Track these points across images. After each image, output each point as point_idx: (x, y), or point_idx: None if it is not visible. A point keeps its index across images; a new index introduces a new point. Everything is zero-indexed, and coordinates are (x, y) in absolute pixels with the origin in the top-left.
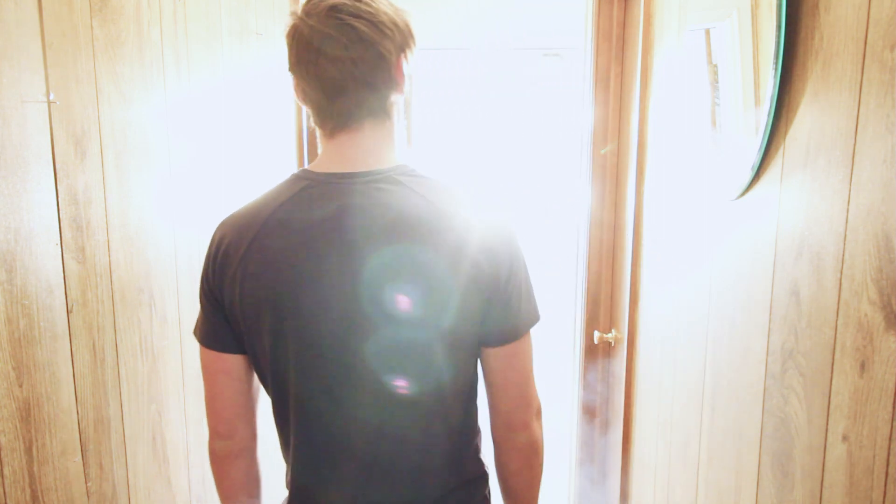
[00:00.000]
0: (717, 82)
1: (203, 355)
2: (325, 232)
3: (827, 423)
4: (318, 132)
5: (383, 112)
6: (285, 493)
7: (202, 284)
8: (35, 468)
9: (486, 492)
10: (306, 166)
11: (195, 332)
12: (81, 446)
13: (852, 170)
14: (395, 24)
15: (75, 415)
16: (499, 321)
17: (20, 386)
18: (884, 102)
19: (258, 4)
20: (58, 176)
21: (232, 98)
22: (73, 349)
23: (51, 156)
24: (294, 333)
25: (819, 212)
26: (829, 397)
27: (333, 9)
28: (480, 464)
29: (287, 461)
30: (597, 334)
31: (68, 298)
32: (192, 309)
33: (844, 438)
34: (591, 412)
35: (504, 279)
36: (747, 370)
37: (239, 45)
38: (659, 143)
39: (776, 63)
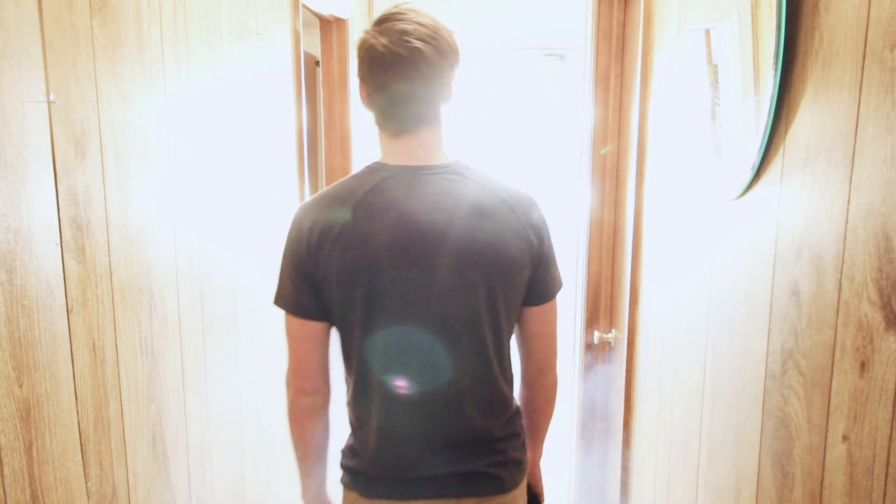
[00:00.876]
0: (717, 82)
1: (291, 323)
2: (410, 213)
3: (827, 423)
4: (378, 131)
5: (436, 118)
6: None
7: (291, 262)
8: (35, 468)
9: (522, 422)
10: (377, 160)
11: (279, 303)
12: (81, 446)
13: (852, 170)
14: (451, 48)
15: (75, 415)
16: (541, 285)
17: (20, 386)
18: (884, 102)
19: (258, 4)
20: (58, 176)
21: (232, 98)
22: (73, 349)
23: (51, 156)
24: (388, 300)
25: (819, 212)
26: (829, 397)
27: (405, 33)
28: (515, 401)
29: (359, 419)
30: (597, 334)
31: (68, 298)
32: (192, 309)
33: (844, 438)
34: (591, 412)
35: (546, 251)
36: (747, 370)
37: (239, 45)
38: (659, 143)
39: (776, 63)
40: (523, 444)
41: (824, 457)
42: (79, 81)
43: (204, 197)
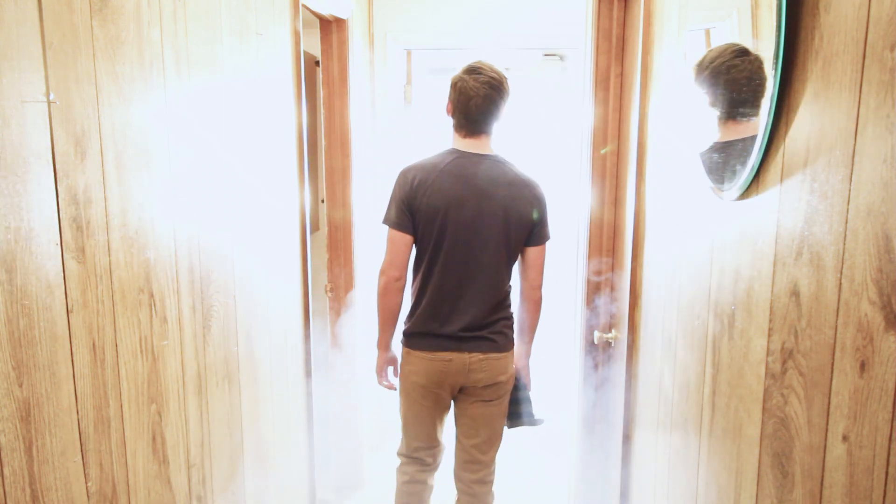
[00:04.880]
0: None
1: (393, 235)
2: (470, 179)
3: (827, 423)
4: (454, 131)
5: (490, 131)
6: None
7: (400, 199)
8: (35, 468)
9: (510, 315)
10: (453, 146)
11: (387, 222)
12: (81, 446)
13: (852, 170)
14: (508, 92)
15: (75, 415)
16: (536, 233)
17: (20, 386)
18: (884, 102)
19: (258, 4)
20: (58, 176)
21: (232, 98)
22: (73, 349)
23: (51, 156)
24: (451, 227)
25: (819, 212)
26: (829, 397)
27: (486, 82)
28: (509, 304)
29: (420, 301)
30: (597, 334)
31: (68, 298)
32: (191, 309)
33: (844, 438)
34: (591, 412)
35: (542, 214)
36: (747, 370)
37: (239, 45)
38: (659, 143)
39: (776, 63)
40: (509, 327)
41: (824, 457)
42: (79, 81)
43: (204, 197)
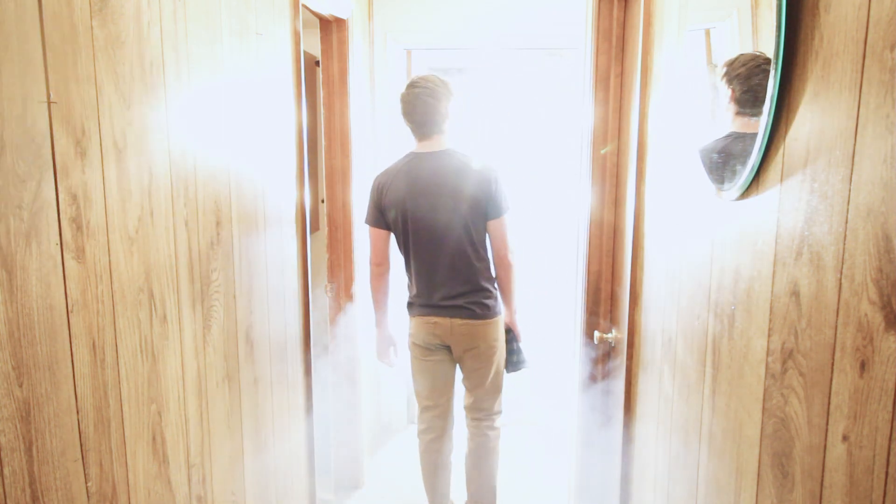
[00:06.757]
0: (717, 82)
1: (372, 231)
2: (422, 174)
3: (827, 423)
4: (413, 136)
5: (439, 129)
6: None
7: (372, 201)
8: (35, 468)
9: (490, 286)
10: (413, 150)
11: (367, 221)
12: (81, 446)
13: (852, 170)
14: (442, 91)
15: (75, 415)
16: (491, 210)
17: (20, 386)
18: (884, 102)
19: (258, 4)
20: (58, 176)
21: (232, 98)
22: (73, 349)
23: (51, 156)
24: (411, 218)
25: (819, 212)
26: (829, 397)
27: (415, 90)
28: (487, 275)
29: (410, 279)
30: (597, 334)
31: (68, 298)
32: (191, 309)
33: (844, 438)
34: (590, 412)
35: (493, 193)
36: (747, 370)
37: (239, 45)
38: (659, 143)
39: (776, 63)
40: (490, 298)
41: (824, 457)
42: (79, 81)
43: (204, 196)
